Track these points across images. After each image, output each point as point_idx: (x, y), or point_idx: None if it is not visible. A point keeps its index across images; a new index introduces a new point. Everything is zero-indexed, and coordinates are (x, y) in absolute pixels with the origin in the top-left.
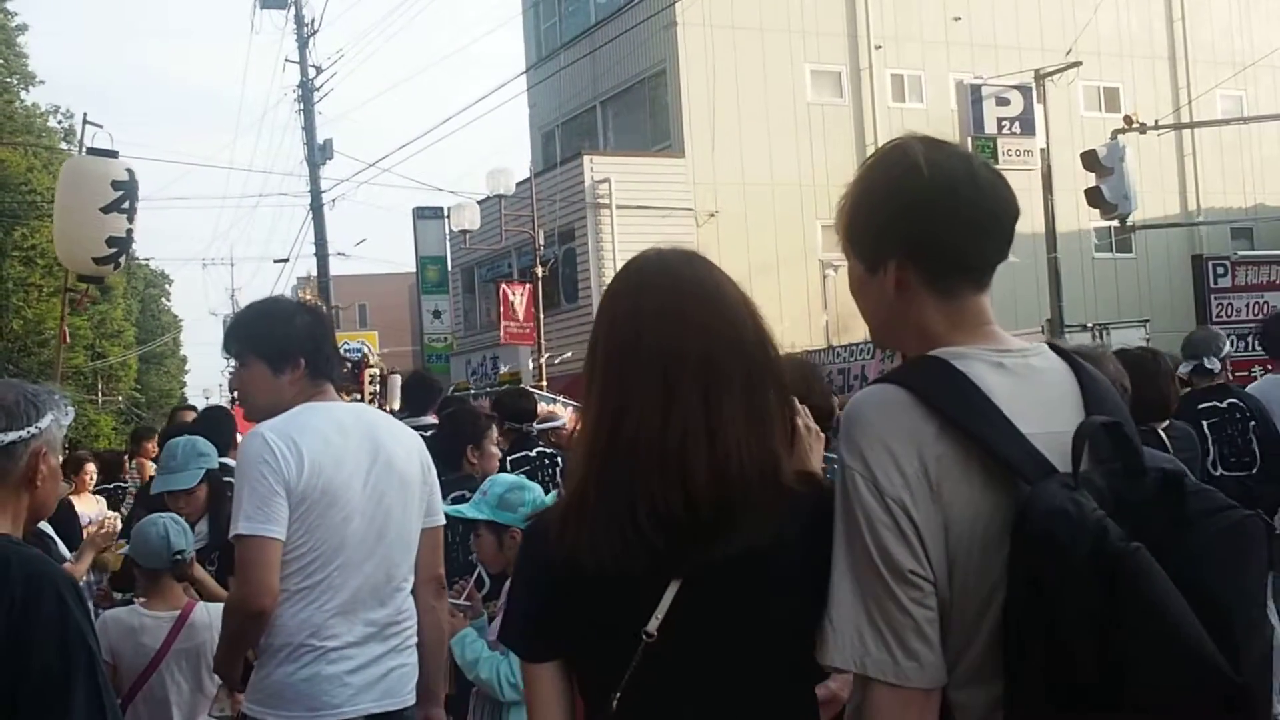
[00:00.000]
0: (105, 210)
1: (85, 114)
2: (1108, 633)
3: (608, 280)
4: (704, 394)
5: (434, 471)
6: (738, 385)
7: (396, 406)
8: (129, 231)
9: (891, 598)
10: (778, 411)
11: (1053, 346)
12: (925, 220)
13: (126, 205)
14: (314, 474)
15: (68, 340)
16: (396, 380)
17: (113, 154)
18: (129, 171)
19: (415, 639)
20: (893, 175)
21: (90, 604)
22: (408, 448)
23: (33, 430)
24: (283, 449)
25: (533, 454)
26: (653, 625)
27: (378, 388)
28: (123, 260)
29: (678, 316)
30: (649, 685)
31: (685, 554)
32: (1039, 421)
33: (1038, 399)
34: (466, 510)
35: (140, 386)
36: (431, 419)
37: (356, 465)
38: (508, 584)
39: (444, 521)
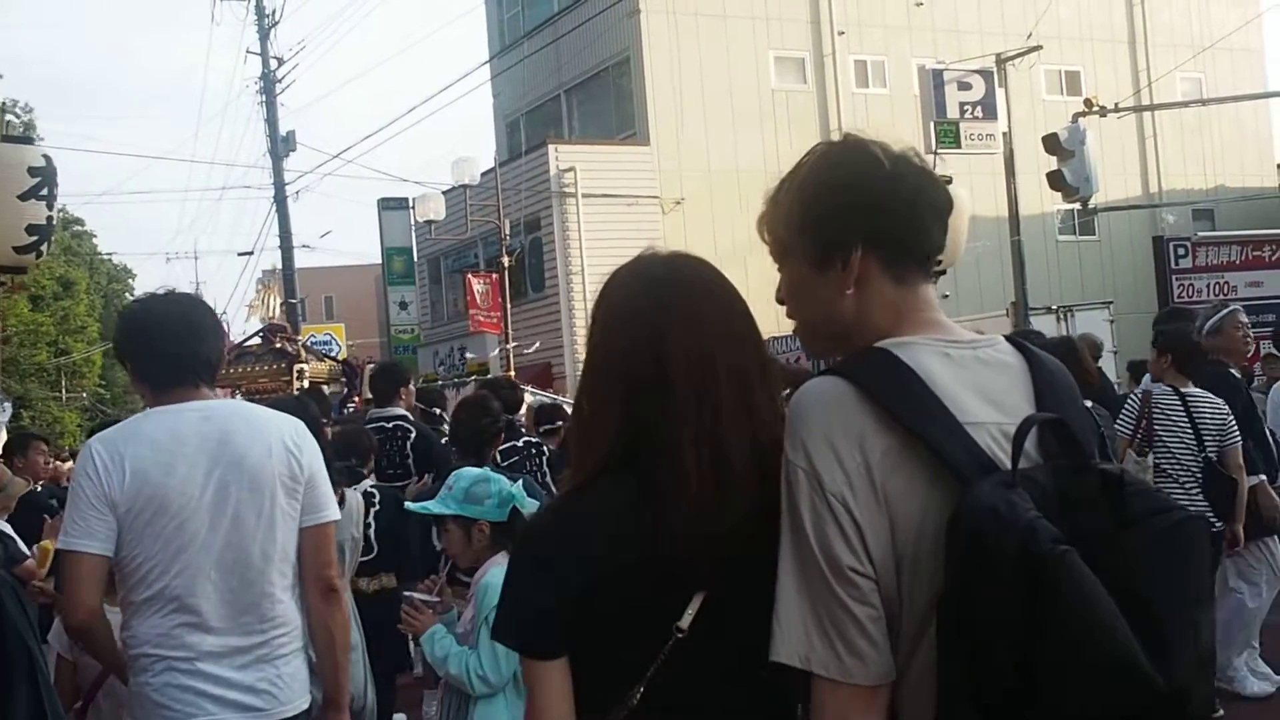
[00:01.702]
0: (23, 198)
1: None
2: (1031, 637)
3: (575, 269)
4: (737, 393)
5: (315, 466)
6: (757, 383)
7: (369, 396)
8: (49, 219)
9: (833, 595)
10: (782, 408)
11: (1010, 339)
12: (888, 209)
13: (45, 192)
14: (138, 482)
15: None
16: (369, 370)
17: (27, 140)
18: (45, 158)
19: (291, 646)
20: (853, 167)
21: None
22: (268, 447)
23: None
24: (104, 461)
25: (520, 444)
26: (685, 621)
27: (345, 380)
28: (44, 249)
29: (699, 319)
30: (672, 680)
31: (720, 551)
32: (986, 412)
33: (985, 389)
34: (433, 506)
35: (105, 382)
36: (400, 410)
37: (192, 469)
38: (483, 568)
39: (330, 519)
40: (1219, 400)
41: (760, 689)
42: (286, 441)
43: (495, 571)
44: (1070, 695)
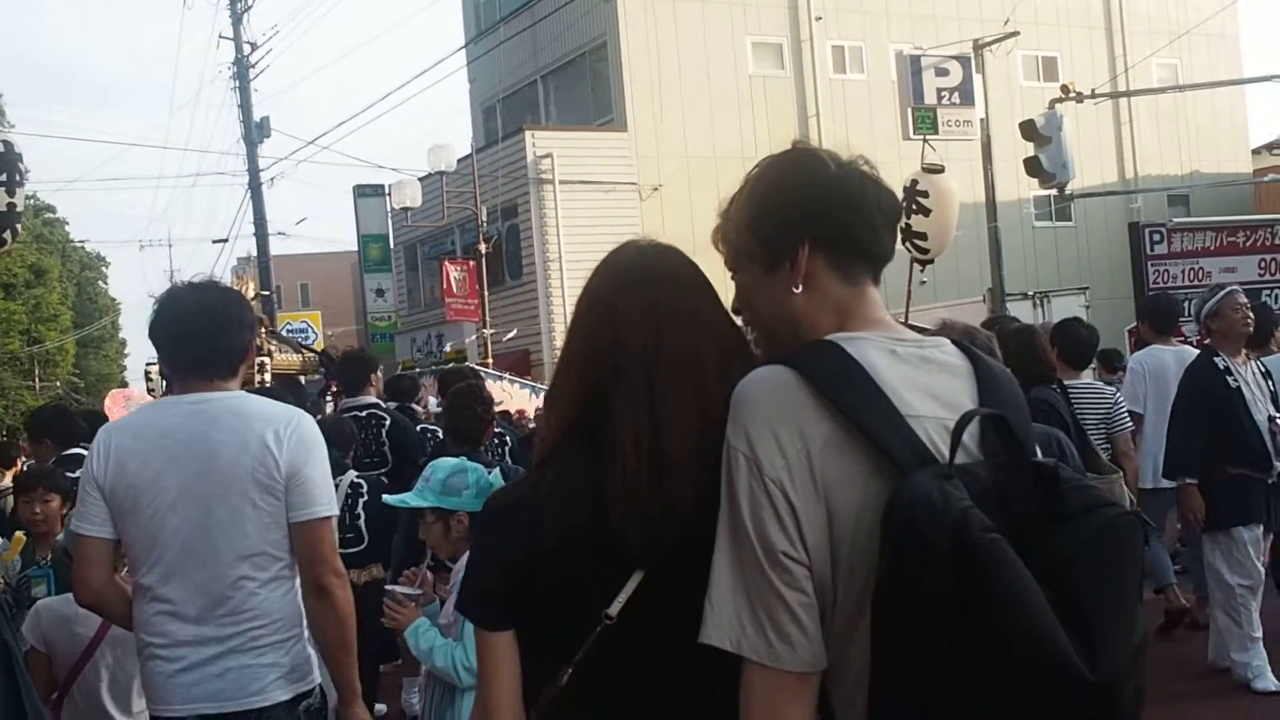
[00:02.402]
0: None
1: None
2: (961, 626)
3: (552, 256)
4: (693, 382)
5: (299, 462)
6: (717, 370)
7: None
8: (10, 205)
9: (765, 580)
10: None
11: (956, 342)
12: (835, 207)
13: (4, 178)
14: (118, 472)
15: None
16: None
17: None
18: (4, 143)
19: (271, 638)
20: (800, 168)
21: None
22: (244, 443)
23: None
24: (98, 447)
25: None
26: (615, 608)
27: (324, 370)
28: (7, 237)
29: (659, 309)
30: (600, 665)
31: (659, 536)
32: (928, 407)
33: (928, 386)
34: (410, 499)
35: (79, 371)
36: (370, 398)
37: (168, 463)
38: (464, 558)
39: (319, 515)
40: (1105, 388)
41: (685, 682)
42: (268, 438)
43: None
44: (999, 685)
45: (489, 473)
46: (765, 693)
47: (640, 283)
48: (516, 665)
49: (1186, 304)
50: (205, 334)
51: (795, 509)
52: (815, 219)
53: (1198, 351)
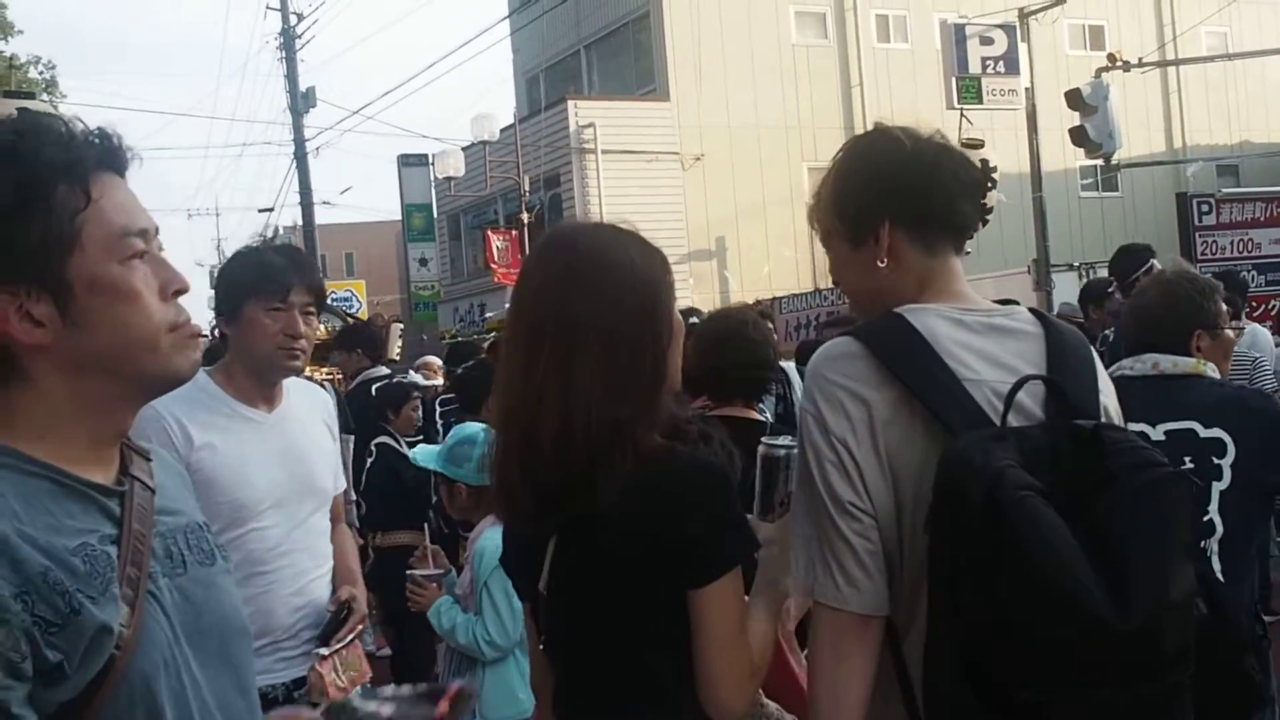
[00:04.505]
0: None
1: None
2: (993, 575)
3: None
4: (560, 361)
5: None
6: (595, 352)
7: (395, 355)
8: None
9: (834, 527)
10: (643, 378)
11: (1032, 310)
12: (910, 184)
13: None
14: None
15: None
16: (396, 329)
17: (27, 95)
18: (20, 110)
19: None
20: (878, 150)
21: None
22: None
23: None
24: None
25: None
26: (542, 583)
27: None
28: None
29: (556, 287)
30: (548, 638)
31: (552, 516)
32: (989, 372)
33: (991, 353)
34: (419, 456)
35: None
36: (384, 369)
37: None
38: (480, 540)
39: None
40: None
41: (595, 656)
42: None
43: (490, 533)
44: (1032, 632)
45: None
46: (832, 632)
47: (558, 263)
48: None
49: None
50: None
51: (859, 464)
52: (892, 197)
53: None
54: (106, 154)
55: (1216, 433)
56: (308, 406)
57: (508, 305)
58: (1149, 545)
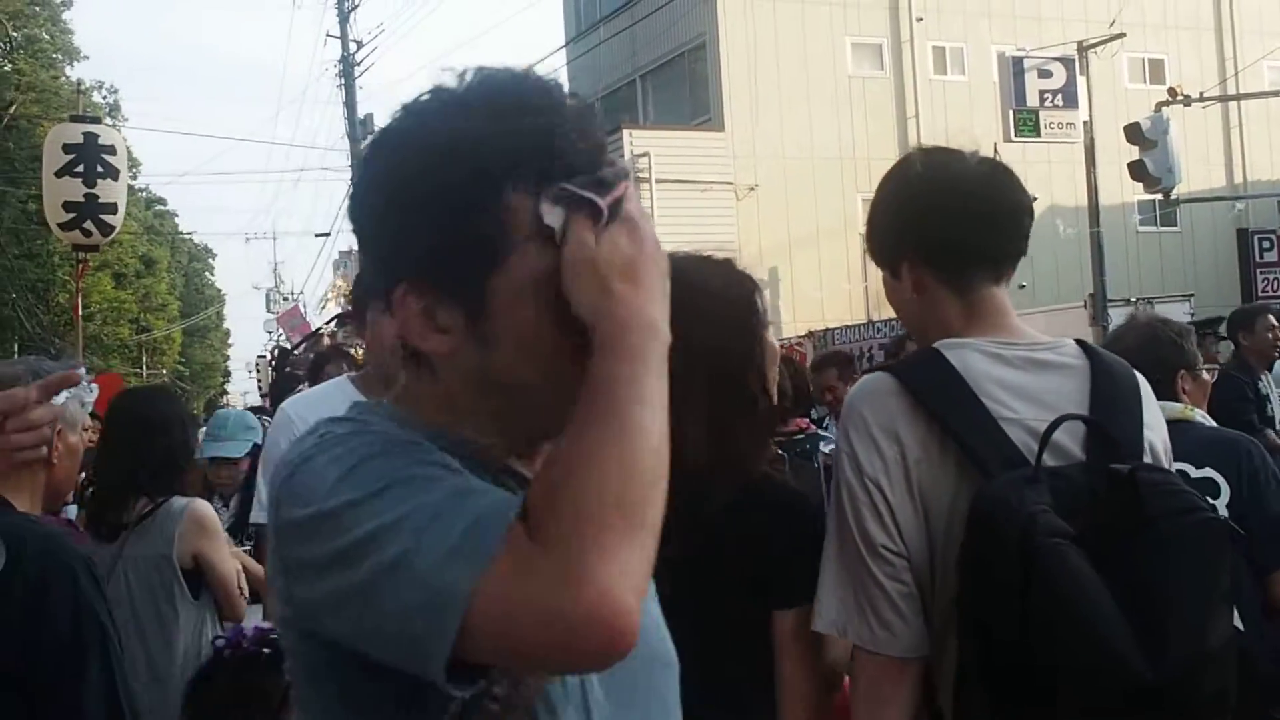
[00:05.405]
0: (58, 175)
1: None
2: (1024, 623)
3: None
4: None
5: None
6: (701, 378)
7: None
8: (88, 195)
9: (867, 570)
10: (747, 402)
11: (1079, 342)
12: (929, 220)
13: (81, 169)
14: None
15: (79, 313)
16: None
17: (93, 119)
18: (86, 135)
19: None
20: (895, 185)
21: None
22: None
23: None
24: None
25: None
26: None
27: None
28: (90, 226)
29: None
30: None
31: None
32: (1026, 410)
33: (1030, 390)
34: None
35: (184, 359)
36: None
37: None
38: None
39: None
40: None
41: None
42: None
43: None
44: (1063, 681)
45: None
46: (870, 677)
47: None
48: None
49: None
50: None
51: (892, 506)
52: (911, 231)
53: None
54: None
55: (1208, 473)
56: None
57: None
58: (1187, 592)
